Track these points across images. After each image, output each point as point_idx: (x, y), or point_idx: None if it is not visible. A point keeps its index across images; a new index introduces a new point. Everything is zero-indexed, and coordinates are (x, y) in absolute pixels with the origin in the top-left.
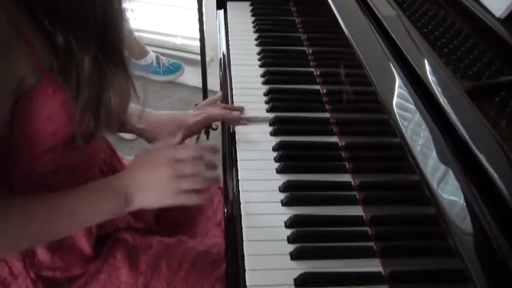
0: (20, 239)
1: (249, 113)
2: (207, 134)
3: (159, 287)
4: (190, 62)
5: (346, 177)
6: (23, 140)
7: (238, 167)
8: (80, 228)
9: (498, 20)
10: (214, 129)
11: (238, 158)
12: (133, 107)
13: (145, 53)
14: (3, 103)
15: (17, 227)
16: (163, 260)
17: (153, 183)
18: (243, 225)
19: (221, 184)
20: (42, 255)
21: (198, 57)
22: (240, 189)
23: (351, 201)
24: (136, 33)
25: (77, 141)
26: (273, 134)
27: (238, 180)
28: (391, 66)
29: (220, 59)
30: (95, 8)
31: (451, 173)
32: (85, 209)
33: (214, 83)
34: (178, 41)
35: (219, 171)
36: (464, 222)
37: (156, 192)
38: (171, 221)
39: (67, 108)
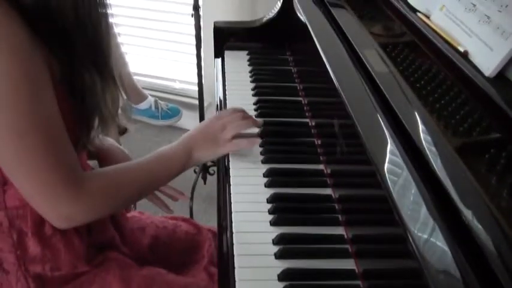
0: (127, 198)
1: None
2: (204, 179)
3: None
4: (189, 106)
5: (339, 230)
6: None
7: (233, 219)
8: (166, 181)
9: (487, 79)
10: (211, 174)
11: (232, 210)
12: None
13: (143, 98)
14: (50, 90)
15: (123, 190)
16: (155, 283)
17: (205, 141)
18: (236, 279)
19: (212, 228)
20: (34, 248)
21: (196, 102)
22: (234, 242)
23: (343, 255)
24: (135, 77)
25: (80, 145)
26: (268, 185)
27: (232, 233)
28: (381, 122)
29: (217, 106)
30: (88, 27)
31: (438, 231)
32: (166, 171)
33: None
34: (176, 86)
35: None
36: (449, 279)
37: (209, 148)
38: (161, 258)
39: (73, 115)
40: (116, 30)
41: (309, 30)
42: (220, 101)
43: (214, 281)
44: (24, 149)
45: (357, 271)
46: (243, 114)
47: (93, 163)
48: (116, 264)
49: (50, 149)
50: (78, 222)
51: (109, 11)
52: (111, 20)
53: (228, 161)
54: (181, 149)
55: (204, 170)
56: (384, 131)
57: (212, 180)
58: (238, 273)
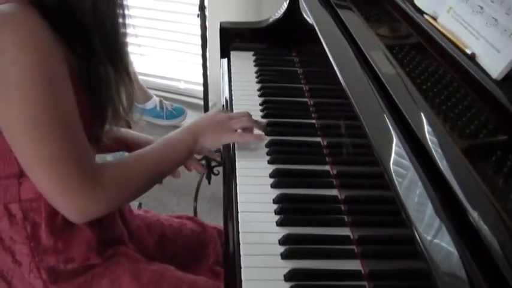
0: (139, 187)
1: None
2: (209, 179)
3: None
4: (193, 106)
5: (345, 231)
6: None
7: (239, 219)
8: (174, 167)
9: (494, 81)
10: (216, 174)
11: (239, 210)
12: None
13: (148, 97)
14: (68, 84)
15: (136, 179)
16: (165, 279)
17: (211, 128)
18: (243, 278)
19: (218, 226)
20: (47, 239)
21: (201, 102)
22: (240, 242)
23: (349, 255)
24: (140, 77)
25: (93, 138)
26: (274, 186)
27: (239, 233)
28: (388, 123)
29: (223, 106)
30: (106, 23)
31: (445, 232)
32: (174, 155)
33: None
34: (181, 86)
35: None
36: (455, 278)
37: (214, 134)
38: (167, 255)
39: (88, 108)
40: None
41: (315, 31)
42: (227, 101)
43: (220, 280)
44: (40, 141)
45: (362, 272)
46: (248, 115)
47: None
48: (125, 259)
49: (65, 141)
50: (93, 215)
51: (126, 11)
52: (127, 19)
53: (235, 161)
54: (188, 133)
55: (209, 170)
56: (391, 132)
57: (216, 180)
58: (244, 273)
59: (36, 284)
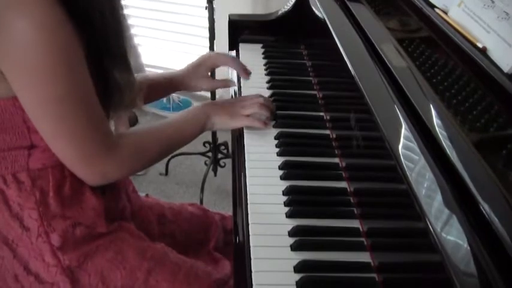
0: (154, 156)
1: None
2: (215, 171)
3: (160, 279)
4: (200, 98)
5: (355, 223)
6: None
7: (249, 211)
8: (185, 143)
9: (506, 75)
10: (222, 167)
11: (249, 201)
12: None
13: None
14: (84, 64)
15: (152, 147)
16: (167, 258)
17: (224, 109)
18: (253, 270)
19: (221, 212)
20: (55, 206)
21: (208, 95)
22: (250, 233)
23: (358, 248)
24: (147, 69)
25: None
26: (283, 178)
27: (248, 224)
28: (400, 115)
29: (232, 96)
30: (95, 15)
31: (456, 224)
32: (188, 130)
33: None
34: None
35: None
36: (465, 267)
37: (226, 115)
38: (167, 235)
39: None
40: (129, 22)
41: (324, 24)
42: (235, 93)
43: (219, 266)
44: (64, 117)
45: (372, 264)
46: (263, 100)
47: None
48: (129, 235)
49: (87, 116)
50: (112, 178)
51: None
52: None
53: (244, 152)
54: (201, 111)
55: (215, 162)
56: (402, 124)
57: (222, 172)
58: (254, 265)
59: (43, 249)
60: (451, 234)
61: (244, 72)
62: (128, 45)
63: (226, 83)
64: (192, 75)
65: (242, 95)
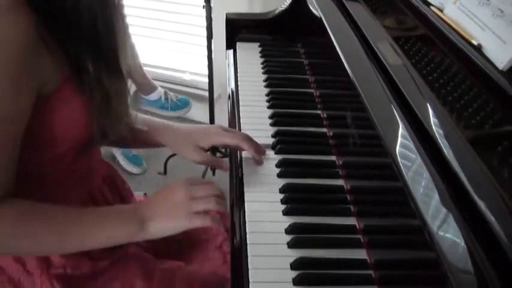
0: (43, 244)
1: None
2: (213, 170)
3: None
4: (198, 97)
5: (351, 221)
6: (47, 141)
7: (246, 209)
8: (90, 247)
9: (501, 72)
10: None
11: (246, 200)
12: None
13: (153, 89)
14: (28, 99)
15: (42, 233)
16: (176, 276)
17: (168, 211)
18: (250, 267)
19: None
20: (53, 257)
21: (206, 94)
22: (247, 231)
23: (355, 245)
24: (145, 68)
25: (93, 142)
26: (280, 176)
27: (245, 222)
28: (395, 113)
29: (229, 95)
30: (85, 17)
31: (452, 221)
32: (99, 231)
33: (221, 119)
34: (186, 77)
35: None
36: (462, 265)
37: (171, 218)
38: (173, 241)
39: (85, 111)
40: (127, 21)
41: (322, 23)
42: (232, 92)
43: (227, 261)
44: None
45: (368, 261)
46: (218, 190)
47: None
48: (135, 260)
49: None
50: None
51: (122, 8)
52: (124, 14)
53: (241, 151)
54: (134, 216)
55: None
56: (398, 122)
57: (221, 171)
58: (251, 262)
59: None
60: (447, 232)
61: (258, 154)
62: (120, 47)
63: (220, 164)
64: (186, 142)
65: (240, 94)
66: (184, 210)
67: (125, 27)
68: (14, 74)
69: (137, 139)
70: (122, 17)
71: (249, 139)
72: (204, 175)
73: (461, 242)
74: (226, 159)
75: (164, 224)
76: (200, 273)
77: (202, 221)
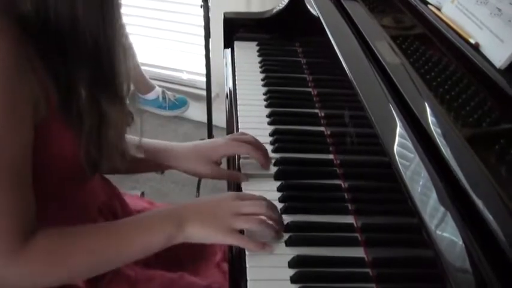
0: (79, 267)
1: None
2: None
3: None
4: (196, 97)
5: (349, 219)
6: (35, 173)
7: None
8: (135, 257)
9: (498, 70)
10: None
11: None
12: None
13: (151, 88)
14: (27, 127)
15: (82, 256)
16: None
17: (208, 219)
18: (247, 265)
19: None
20: None
21: (204, 93)
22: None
23: (352, 243)
24: (142, 68)
25: (83, 176)
26: (277, 174)
27: None
28: (393, 111)
29: (227, 94)
30: (86, 40)
31: (450, 219)
32: (140, 233)
33: (218, 119)
34: (184, 76)
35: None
36: (460, 264)
37: (208, 227)
38: (170, 257)
39: (73, 146)
40: (124, 20)
41: (319, 22)
42: (230, 91)
43: (227, 279)
44: None
45: (366, 259)
46: (267, 209)
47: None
48: (125, 282)
49: (3, 193)
50: (8, 285)
51: (120, 23)
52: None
53: None
54: (171, 218)
55: None
56: (396, 121)
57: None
58: (248, 260)
59: None
60: (445, 231)
61: (266, 162)
62: (120, 71)
63: (237, 176)
64: (196, 159)
65: (237, 93)
66: (224, 224)
67: (126, 49)
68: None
69: (133, 168)
70: (124, 37)
71: (257, 147)
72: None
73: (459, 241)
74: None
75: (199, 230)
76: (198, 284)
77: (238, 240)
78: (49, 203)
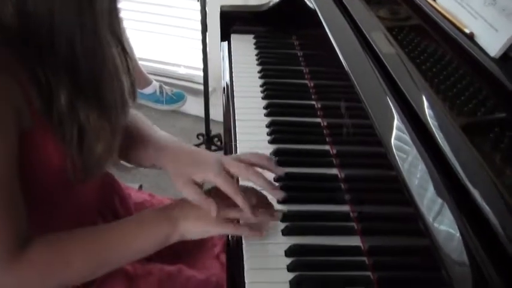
0: (82, 271)
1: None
2: None
3: None
4: (193, 91)
5: (345, 208)
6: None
7: None
8: (133, 259)
9: (493, 59)
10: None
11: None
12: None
13: (148, 82)
14: (11, 135)
15: (79, 261)
16: (171, 281)
17: (200, 214)
18: (245, 255)
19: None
20: None
21: (201, 87)
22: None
23: (349, 232)
24: (140, 62)
25: (75, 181)
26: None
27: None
28: (389, 101)
29: (224, 88)
30: (62, 45)
31: (446, 208)
32: (138, 235)
33: (216, 113)
34: (181, 71)
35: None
36: (457, 255)
37: (201, 222)
38: (169, 250)
39: (59, 154)
40: (121, 14)
41: (316, 14)
42: (227, 84)
43: (224, 271)
44: None
45: (362, 248)
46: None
47: None
48: (123, 277)
49: None
50: None
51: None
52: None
53: (236, 141)
54: (166, 218)
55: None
56: (392, 111)
57: None
58: (246, 250)
59: None
60: (442, 222)
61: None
62: (106, 79)
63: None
64: (179, 172)
65: (234, 85)
66: (218, 216)
67: (114, 59)
68: None
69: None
70: (110, 46)
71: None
72: None
73: (456, 233)
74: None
75: (193, 227)
76: (196, 278)
77: (234, 229)
78: (40, 210)
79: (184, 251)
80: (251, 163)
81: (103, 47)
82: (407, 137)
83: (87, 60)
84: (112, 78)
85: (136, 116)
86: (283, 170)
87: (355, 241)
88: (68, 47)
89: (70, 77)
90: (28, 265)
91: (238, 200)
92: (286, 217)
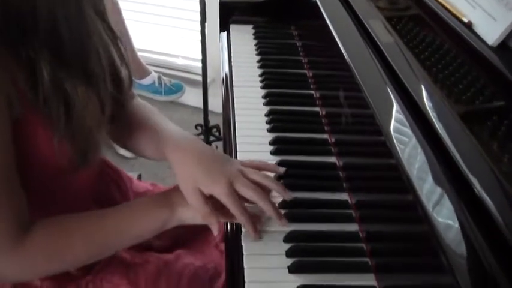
0: (82, 255)
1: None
2: None
3: None
4: (192, 82)
5: (343, 196)
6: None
7: None
8: (132, 243)
9: (491, 48)
10: None
11: None
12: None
13: (147, 73)
14: (4, 122)
15: (80, 243)
16: (162, 276)
17: None
18: (243, 241)
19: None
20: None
21: (200, 78)
22: None
23: (347, 219)
24: (139, 53)
25: (70, 168)
26: (273, 153)
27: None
28: (389, 90)
29: (223, 79)
30: (43, 17)
31: (445, 196)
32: (137, 219)
33: (214, 104)
34: (180, 62)
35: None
36: (456, 243)
37: (192, 208)
38: (167, 237)
39: (52, 137)
40: (120, 5)
41: (315, 4)
42: (226, 75)
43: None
44: None
45: (360, 234)
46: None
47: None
48: (121, 265)
49: None
50: (9, 278)
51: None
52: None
53: (235, 129)
54: (164, 204)
55: (208, 143)
56: (392, 99)
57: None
58: (244, 237)
59: None
60: (442, 210)
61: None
62: (92, 51)
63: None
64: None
65: (233, 75)
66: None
67: (100, 31)
68: None
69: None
70: (94, 21)
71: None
72: None
73: (454, 217)
74: None
75: (188, 212)
76: (194, 265)
77: (227, 217)
78: (35, 200)
79: (185, 237)
80: (261, 183)
81: (86, 22)
82: (407, 125)
83: (71, 32)
84: (98, 51)
85: (146, 106)
86: (291, 195)
87: (353, 228)
88: (50, 21)
89: (53, 52)
90: (32, 247)
91: (242, 220)
92: (285, 205)
